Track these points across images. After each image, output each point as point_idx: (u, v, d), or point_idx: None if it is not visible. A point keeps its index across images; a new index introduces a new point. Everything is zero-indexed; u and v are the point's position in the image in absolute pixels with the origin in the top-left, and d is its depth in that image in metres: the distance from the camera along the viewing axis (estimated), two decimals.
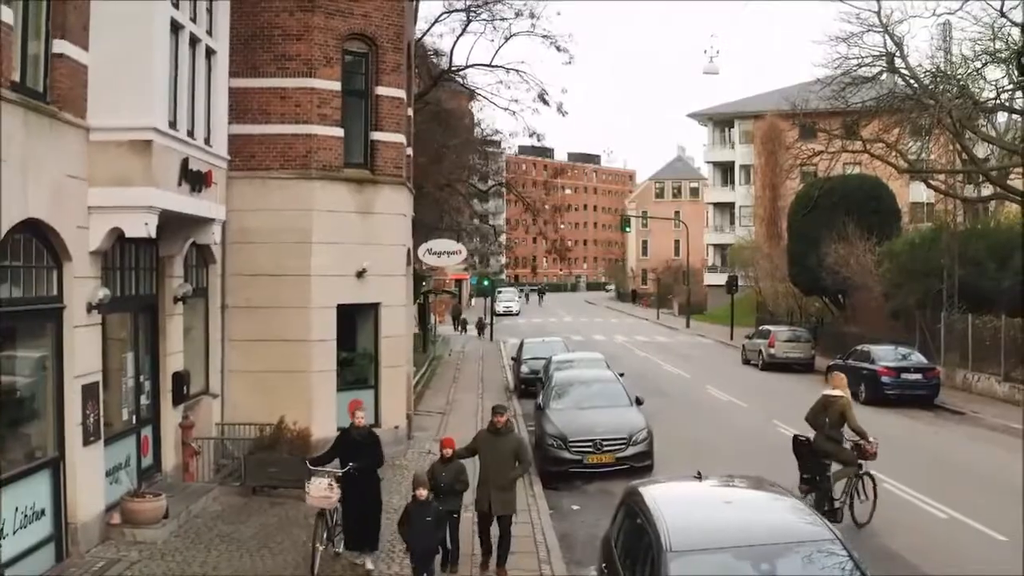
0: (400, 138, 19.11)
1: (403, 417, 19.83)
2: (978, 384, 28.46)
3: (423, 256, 23.08)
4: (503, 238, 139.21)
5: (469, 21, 34.18)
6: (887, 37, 30.82)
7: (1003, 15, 27.83)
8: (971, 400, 27.19)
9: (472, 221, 69.51)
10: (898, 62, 31.34)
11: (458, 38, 47.06)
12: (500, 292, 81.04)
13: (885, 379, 26.26)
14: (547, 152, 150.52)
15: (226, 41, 15.27)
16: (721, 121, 72.57)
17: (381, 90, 18.66)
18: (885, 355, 27.27)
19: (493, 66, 35.60)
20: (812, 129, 69.26)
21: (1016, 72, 29.61)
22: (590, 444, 17.29)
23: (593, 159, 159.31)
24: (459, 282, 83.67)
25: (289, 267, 17.60)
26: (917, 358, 27.49)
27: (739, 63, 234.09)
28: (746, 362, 38.18)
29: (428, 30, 34.51)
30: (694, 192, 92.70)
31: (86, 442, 11.80)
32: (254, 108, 17.72)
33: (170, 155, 12.64)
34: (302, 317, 17.66)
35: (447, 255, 23.38)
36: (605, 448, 17.24)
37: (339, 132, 18.00)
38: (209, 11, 14.45)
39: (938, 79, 30.79)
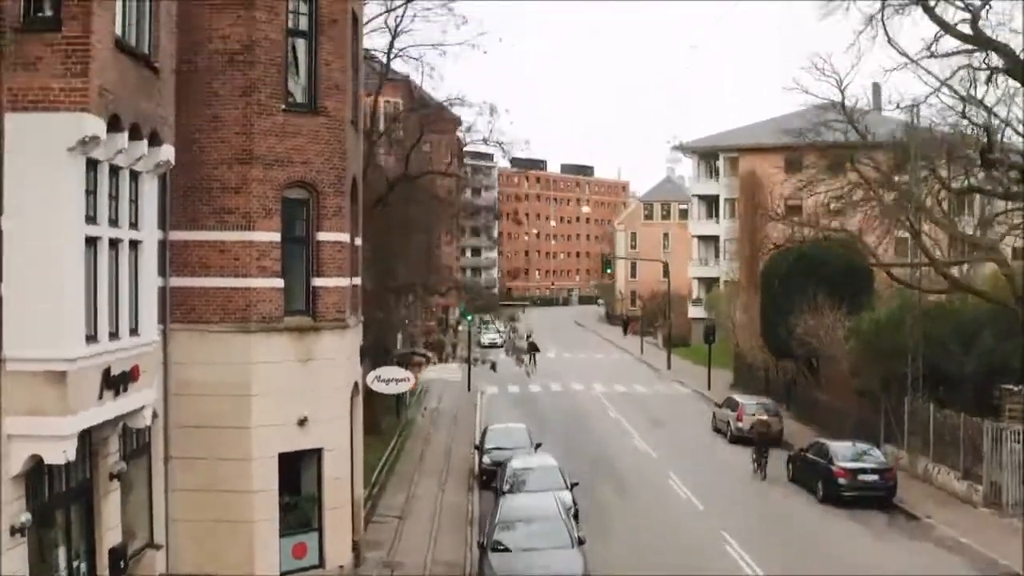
0: (343, 282, 19.20)
1: (348, 553, 19.95)
2: (938, 477, 28.56)
3: (372, 384, 23.26)
4: (495, 254, 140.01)
5: None
6: (851, 127, 31.00)
7: (965, 116, 28.03)
8: (929, 496, 27.33)
9: (462, 261, 69.75)
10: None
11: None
12: (486, 325, 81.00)
13: (842, 480, 26.39)
14: (540, 164, 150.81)
15: (153, 221, 15.32)
16: (706, 153, 72.61)
17: (322, 235, 18.74)
18: (843, 453, 27.40)
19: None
20: (797, 162, 69.81)
21: (981, 163, 29.83)
22: None
23: (586, 171, 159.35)
24: (447, 308, 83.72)
25: (230, 419, 17.71)
26: (876, 456, 27.63)
27: (730, 86, 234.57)
28: (716, 430, 38.32)
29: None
30: (683, 214, 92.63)
31: None
32: (194, 261, 17.84)
33: (89, 375, 12.75)
34: (244, 468, 17.78)
35: (395, 382, 23.62)
36: None
37: (279, 283, 18.09)
38: (134, 200, 14.50)
39: (903, 166, 31.06)
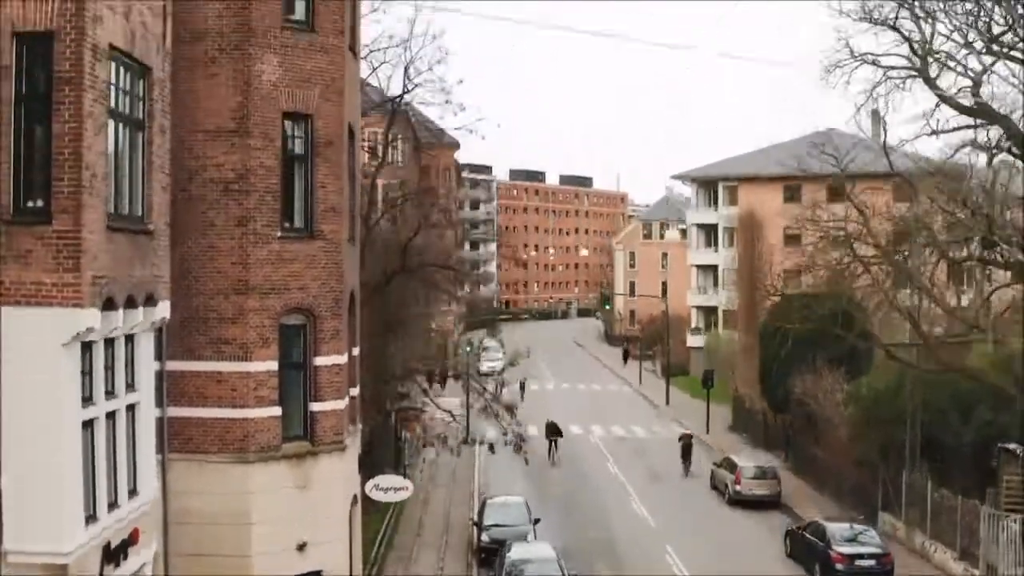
0: (341, 404, 19.19)
1: None
2: (935, 555, 28.60)
3: (371, 493, 23.28)
4: (493, 266, 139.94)
5: None
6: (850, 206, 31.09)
7: (966, 205, 28.08)
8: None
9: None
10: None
11: None
12: (484, 349, 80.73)
13: (839, 566, 26.42)
14: (538, 176, 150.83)
15: (151, 377, 15.31)
16: (705, 182, 72.64)
17: (320, 360, 18.73)
18: (840, 535, 27.40)
19: None
20: (796, 193, 69.81)
21: (982, 244, 29.88)
22: None
23: (585, 182, 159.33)
24: (446, 334, 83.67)
25: (229, 548, 17.69)
26: (873, 539, 27.64)
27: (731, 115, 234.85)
28: (714, 487, 38.32)
29: None
30: (683, 233, 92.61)
31: None
32: (191, 391, 17.83)
33: (89, 557, 12.76)
34: None
35: (394, 491, 23.66)
36: None
37: (277, 411, 18.08)
38: (130, 361, 14.47)
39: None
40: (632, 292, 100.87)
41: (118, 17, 13.07)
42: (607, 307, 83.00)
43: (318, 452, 18.72)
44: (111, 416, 13.83)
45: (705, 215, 71.93)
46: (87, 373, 12.99)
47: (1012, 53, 28.80)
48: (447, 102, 38.61)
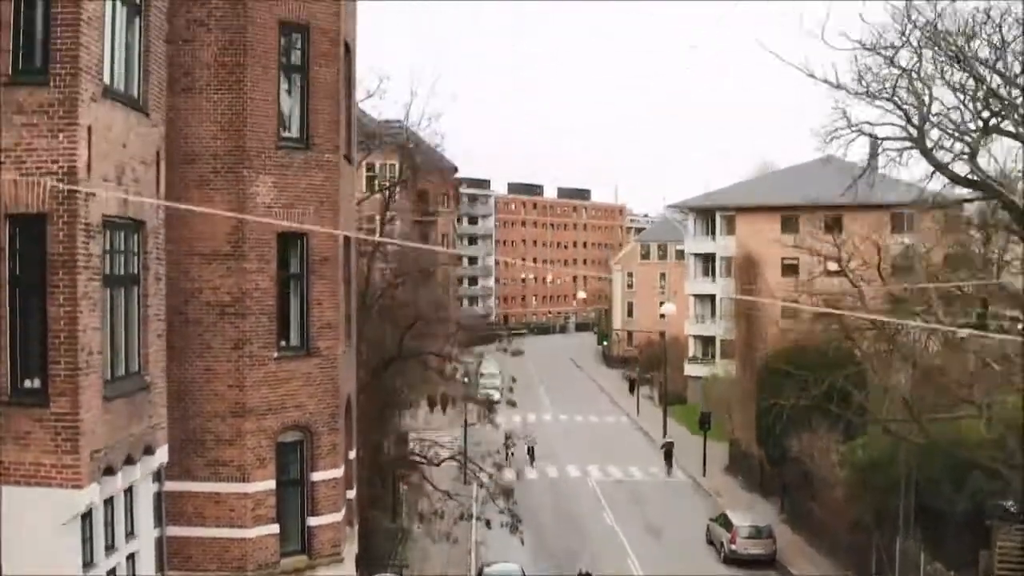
0: (338, 516, 19.32)
1: None
2: None
3: None
4: (491, 282, 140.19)
5: None
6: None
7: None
8: None
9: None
10: None
11: None
12: (482, 375, 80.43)
13: None
14: (536, 189, 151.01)
15: (149, 520, 15.46)
16: (703, 211, 72.82)
17: (317, 475, 18.86)
18: None
19: None
20: (794, 223, 69.97)
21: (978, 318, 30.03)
22: None
23: (583, 194, 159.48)
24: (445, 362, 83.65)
25: None
26: None
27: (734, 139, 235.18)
28: (710, 543, 38.46)
29: None
30: (680, 254, 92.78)
31: None
32: (189, 511, 17.93)
33: None
34: None
35: None
36: None
37: (275, 529, 18.15)
38: (129, 509, 14.61)
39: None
40: (630, 313, 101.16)
41: (110, 185, 13.22)
42: (604, 342, 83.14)
43: (316, 565, 18.85)
44: (112, 572, 13.99)
45: (702, 244, 72.08)
46: (87, 539, 13.14)
47: (1005, 127, 28.99)
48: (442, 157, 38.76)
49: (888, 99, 30.81)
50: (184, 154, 17.66)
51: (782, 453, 39.02)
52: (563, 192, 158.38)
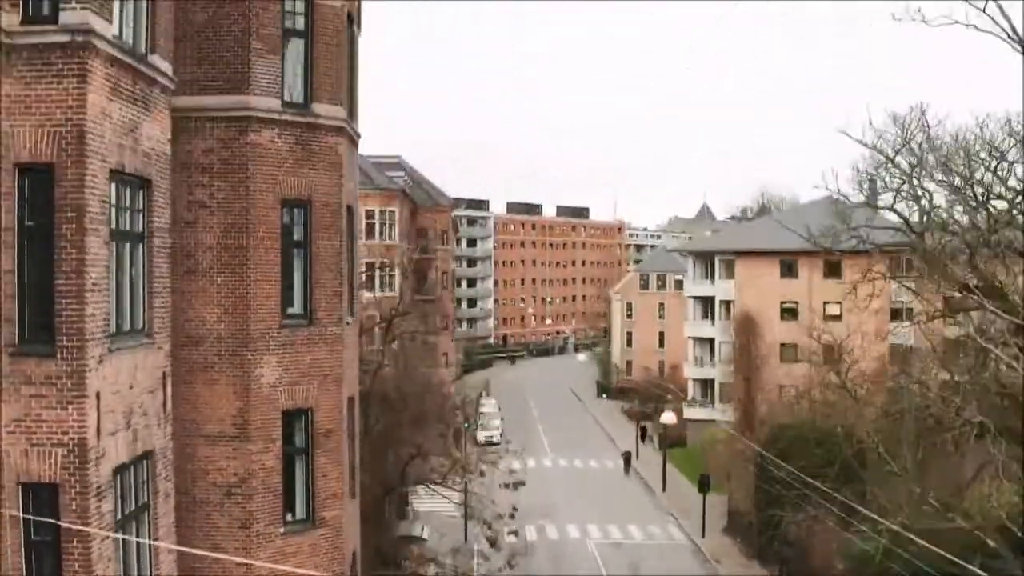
0: None
1: None
2: None
3: None
4: (491, 303, 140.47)
5: None
6: None
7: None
8: None
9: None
10: None
11: None
12: (482, 414, 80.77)
13: None
14: (535, 208, 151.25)
15: None
16: (702, 255, 73.15)
17: None
18: None
19: None
20: (793, 267, 70.29)
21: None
22: None
23: (582, 212, 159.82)
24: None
25: None
26: None
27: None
28: None
29: None
30: (679, 284, 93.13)
31: None
32: None
33: None
34: None
35: None
36: None
37: None
38: None
39: None
40: (629, 343, 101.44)
41: (119, 435, 13.45)
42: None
43: None
44: None
45: (701, 288, 72.32)
46: None
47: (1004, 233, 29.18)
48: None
49: (889, 210, 31.20)
50: (187, 337, 17.90)
51: (779, 523, 39.04)
52: (562, 210, 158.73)
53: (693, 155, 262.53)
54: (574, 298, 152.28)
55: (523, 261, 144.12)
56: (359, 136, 21.54)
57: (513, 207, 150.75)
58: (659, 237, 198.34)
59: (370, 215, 68.54)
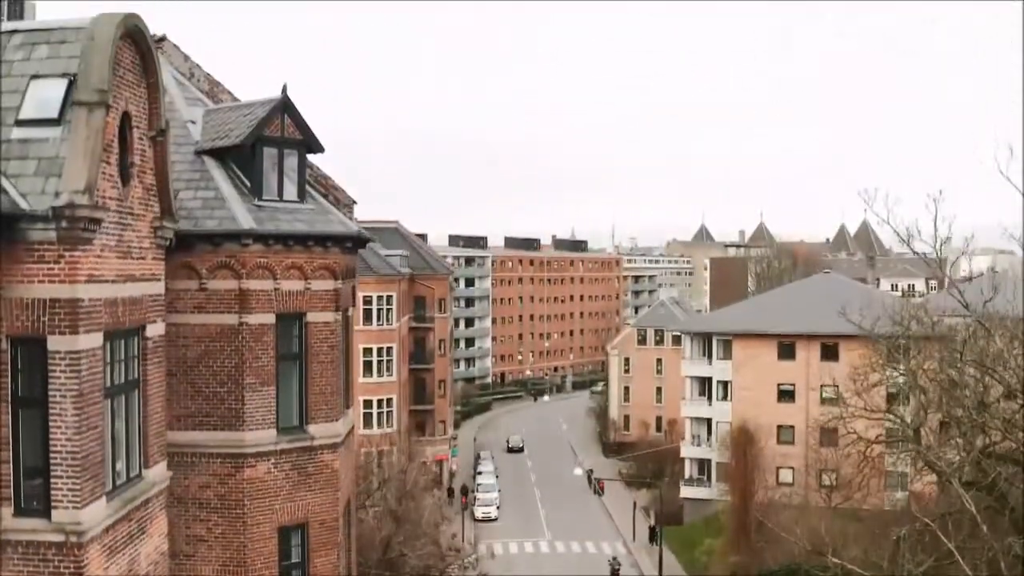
0: None
1: None
2: None
3: None
4: (488, 342, 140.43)
5: None
6: None
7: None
8: None
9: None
10: None
11: None
12: (479, 485, 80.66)
13: None
14: (533, 244, 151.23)
15: None
16: (699, 335, 73.22)
17: None
18: None
19: None
20: (791, 349, 70.30)
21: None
22: None
23: (579, 246, 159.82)
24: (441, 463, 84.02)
25: None
26: None
27: None
28: None
29: None
30: (676, 340, 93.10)
31: None
32: None
33: None
34: None
35: None
36: None
37: None
38: None
39: None
40: (627, 397, 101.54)
41: None
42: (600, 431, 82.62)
43: None
44: None
45: (699, 367, 72.39)
46: None
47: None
48: None
49: (886, 412, 31.24)
50: None
51: None
52: (559, 243, 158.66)
53: (693, 158, 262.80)
54: (572, 333, 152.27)
55: (521, 298, 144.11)
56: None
57: (511, 242, 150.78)
58: (657, 262, 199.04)
59: (367, 300, 68.43)
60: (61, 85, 12.94)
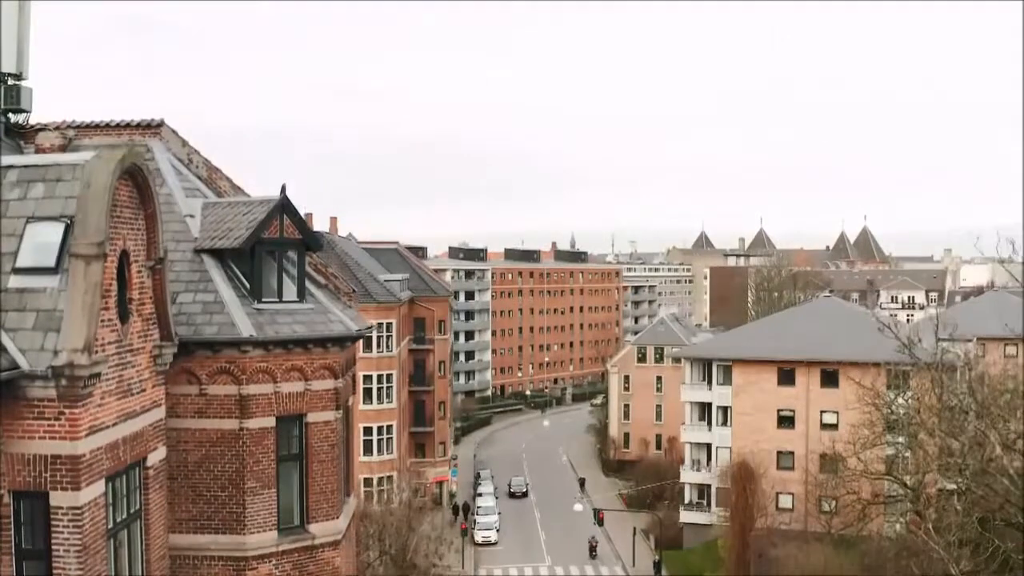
0: None
1: None
2: None
3: None
4: (488, 355, 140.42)
5: None
6: None
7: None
8: None
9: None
10: None
11: None
12: (479, 507, 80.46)
13: None
14: (533, 255, 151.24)
15: None
16: (699, 360, 73.23)
17: None
18: None
19: None
20: (790, 375, 70.25)
21: None
22: None
23: (579, 257, 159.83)
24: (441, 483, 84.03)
25: None
26: None
27: None
28: None
29: None
30: (677, 358, 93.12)
31: None
32: None
33: None
34: None
35: None
36: None
37: None
38: None
39: None
40: (627, 415, 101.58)
41: None
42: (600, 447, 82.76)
43: None
44: None
45: (699, 393, 72.39)
46: None
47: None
48: None
49: (886, 475, 31.29)
50: None
51: None
52: (560, 254, 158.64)
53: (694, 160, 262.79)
54: (571, 344, 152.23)
55: (520, 310, 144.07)
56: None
57: (512, 253, 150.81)
58: (657, 270, 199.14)
59: (367, 328, 67.80)
60: (58, 230, 12.88)
